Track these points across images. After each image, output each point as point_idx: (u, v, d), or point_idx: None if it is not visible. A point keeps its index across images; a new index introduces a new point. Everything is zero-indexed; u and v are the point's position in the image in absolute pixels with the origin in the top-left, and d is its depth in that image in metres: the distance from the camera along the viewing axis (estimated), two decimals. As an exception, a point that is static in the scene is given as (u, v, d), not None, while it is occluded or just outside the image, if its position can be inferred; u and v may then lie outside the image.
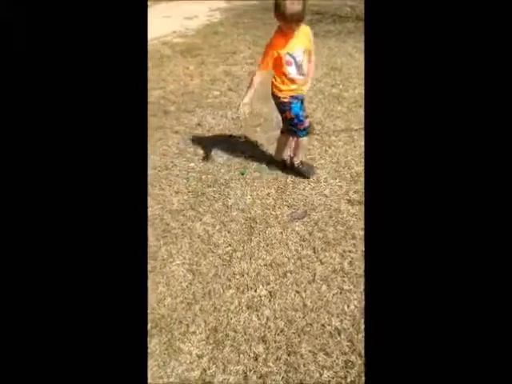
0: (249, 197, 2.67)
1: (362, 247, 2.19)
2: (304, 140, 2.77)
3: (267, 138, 3.37)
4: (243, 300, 1.96)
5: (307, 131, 2.75)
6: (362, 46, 5.48)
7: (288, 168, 2.86)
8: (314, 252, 2.19)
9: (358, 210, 2.48)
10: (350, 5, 8.04)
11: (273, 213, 2.51)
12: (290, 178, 2.81)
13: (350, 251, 2.17)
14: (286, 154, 2.90)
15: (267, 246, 2.26)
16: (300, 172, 2.81)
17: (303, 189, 2.71)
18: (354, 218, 2.42)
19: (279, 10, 2.27)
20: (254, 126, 3.58)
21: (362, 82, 4.29)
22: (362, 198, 2.56)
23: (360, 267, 2.08)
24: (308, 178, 2.77)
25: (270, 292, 1.99)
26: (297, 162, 2.81)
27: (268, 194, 2.69)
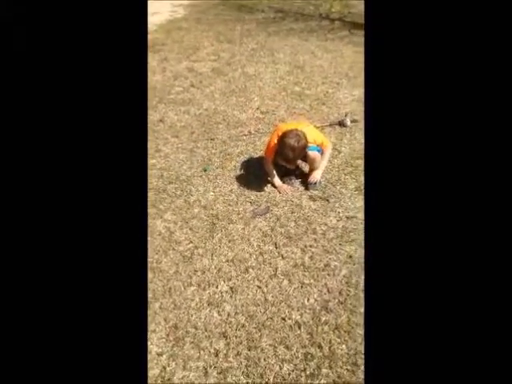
0: (211, 193, 2.65)
1: (322, 242, 2.23)
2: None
3: (229, 134, 3.36)
4: (204, 296, 1.94)
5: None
6: (325, 44, 5.57)
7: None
8: (276, 247, 2.20)
9: (320, 206, 2.51)
10: (314, 3, 8.14)
11: (235, 209, 2.50)
12: (253, 175, 2.82)
13: (310, 246, 2.20)
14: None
15: (229, 242, 2.25)
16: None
17: (266, 185, 2.71)
18: (316, 213, 2.45)
19: (282, 157, 2.52)
20: (216, 123, 3.56)
21: (325, 80, 4.38)
22: (324, 195, 2.60)
23: (321, 261, 2.11)
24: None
25: (231, 288, 1.98)
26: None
27: (231, 190, 2.68)
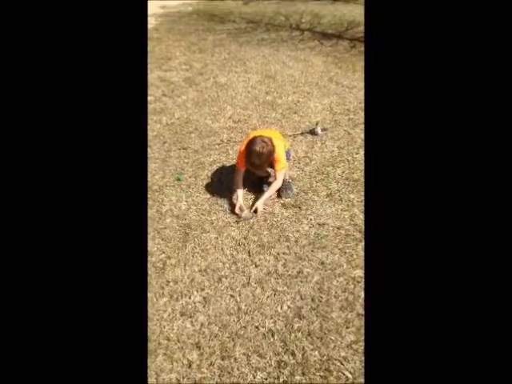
0: (184, 203, 2.64)
1: (295, 249, 2.25)
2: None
3: (202, 143, 3.37)
4: (177, 307, 1.92)
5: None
6: (295, 54, 5.68)
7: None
8: (249, 255, 2.21)
9: (292, 213, 2.54)
10: (284, 14, 8.30)
11: (208, 218, 2.50)
12: (226, 184, 2.82)
13: (283, 253, 2.22)
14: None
15: (202, 251, 2.24)
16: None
17: (234, 198, 2.72)
18: (288, 221, 2.48)
19: (249, 164, 2.47)
20: (189, 132, 3.55)
21: (296, 89, 4.45)
22: (296, 202, 2.63)
23: (294, 268, 2.13)
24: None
25: (204, 298, 1.97)
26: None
27: (204, 199, 2.68)
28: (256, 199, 2.63)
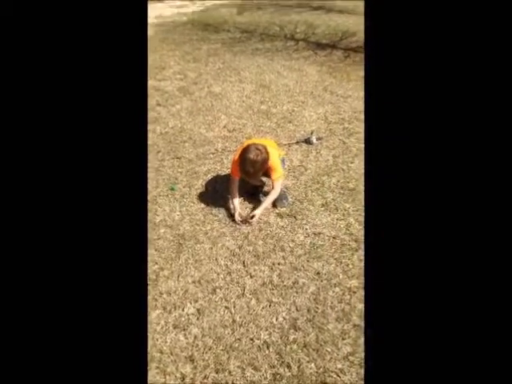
0: (177, 213, 2.61)
1: (290, 259, 2.23)
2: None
3: (196, 153, 3.35)
4: (170, 320, 1.89)
5: None
6: (290, 64, 5.70)
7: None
8: (244, 266, 2.18)
9: (287, 223, 2.52)
10: (279, 24, 8.35)
11: (202, 228, 2.47)
12: (220, 193, 2.80)
13: (279, 263, 2.19)
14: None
15: (196, 262, 2.21)
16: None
17: (232, 208, 2.70)
18: (283, 230, 2.45)
19: (243, 173, 2.46)
20: (183, 141, 3.54)
21: (290, 98, 4.46)
22: (291, 212, 2.61)
23: (289, 278, 2.10)
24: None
25: (198, 310, 1.94)
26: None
27: (198, 209, 2.65)
28: (253, 209, 2.60)
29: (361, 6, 10.58)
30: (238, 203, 2.58)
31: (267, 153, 2.41)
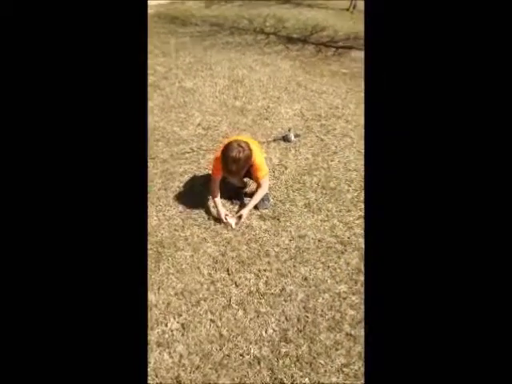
0: (154, 218, 2.46)
1: (276, 265, 2.13)
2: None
3: (170, 152, 3.19)
4: (152, 337, 1.75)
5: None
6: (262, 58, 5.58)
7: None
8: (228, 274, 2.07)
9: (270, 226, 2.42)
10: (248, 18, 8.20)
11: (182, 234, 2.33)
12: (199, 196, 2.67)
13: (264, 270, 2.09)
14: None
15: (177, 272, 2.08)
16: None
17: (213, 206, 2.57)
18: (267, 234, 2.35)
19: (226, 171, 2.34)
20: (156, 140, 3.36)
21: (265, 94, 4.34)
22: (274, 214, 2.52)
23: (276, 286, 2.01)
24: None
25: (182, 324, 1.81)
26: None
27: (175, 213, 2.51)
28: (238, 211, 2.49)
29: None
30: (220, 203, 2.46)
31: (250, 150, 2.29)
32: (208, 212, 2.52)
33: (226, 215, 2.42)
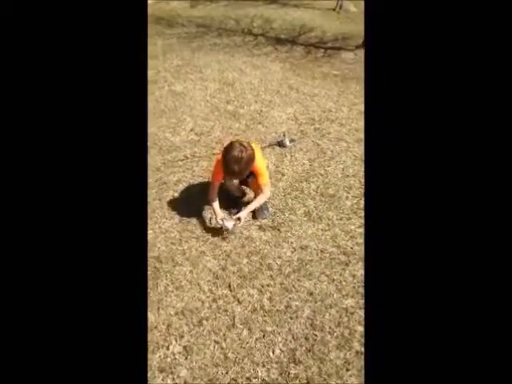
0: (150, 231, 2.35)
1: (279, 279, 2.05)
2: None
3: (163, 160, 3.09)
4: (154, 362, 1.66)
5: None
6: (251, 60, 5.49)
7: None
8: (230, 290, 1.98)
9: (271, 237, 2.34)
10: (234, 18, 8.11)
11: (179, 248, 2.24)
12: (195, 206, 2.57)
13: (268, 285, 2.01)
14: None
15: (177, 289, 1.98)
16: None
17: (210, 217, 2.49)
18: (268, 245, 2.28)
19: (228, 173, 2.23)
20: (148, 148, 3.25)
21: (257, 98, 4.26)
22: (274, 223, 2.44)
23: (281, 302, 1.93)
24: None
25: (185, 347, 1.72)
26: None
27: (171, 225, 2.41)
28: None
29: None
30: (218, 208, 2.37)
31: (252, 150, 2.18)
32: (205, 223, 2.43)
33: (223, 219, 2.32)
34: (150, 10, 8.64)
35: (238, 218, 2.30)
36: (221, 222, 2.28)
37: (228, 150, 2.15)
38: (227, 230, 2.28)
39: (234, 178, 2.37)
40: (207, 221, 2.45)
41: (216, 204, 2.37)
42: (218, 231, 2.34)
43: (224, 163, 2.17)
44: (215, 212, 2.35)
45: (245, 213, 2.34)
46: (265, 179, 2.35)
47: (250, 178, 2.40)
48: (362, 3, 9.16)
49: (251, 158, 2.17)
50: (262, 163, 2.33)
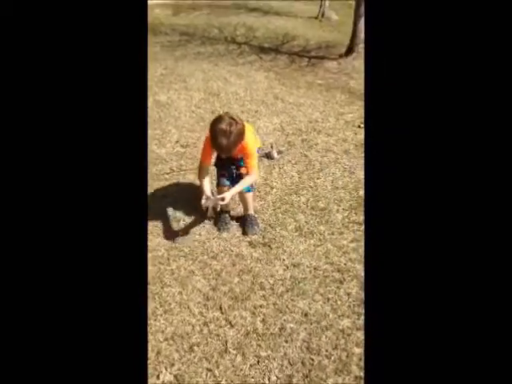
0: (135, 250, 2.25)
1: (272, 299, 1.98)
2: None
3: (149, 173, 2.99)
4: (144, 394, 1.56)
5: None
6: (236, 69, 5.44)
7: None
8: (222, 312, 1.90)
9: (262, 254, 2.27)
10: (218, 26, 8.07)
11: (167, 268, 2.15)
12: (182, 222, 2.49)
13: (260, 306, 1.94)
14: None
15: (165, 313, 1.89)
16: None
17: (199, 233, 2.41)
18: (259, 263, 2.20)
19: (215, 147, 2.12)
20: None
21: (243, 108, 4.21)
22: (264, 240, 2.37)
23: (275, 324, 1.86)
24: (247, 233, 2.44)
25: (175, 376, 1.63)
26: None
27: (158, 243, 2.32)
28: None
29: (295, 7, 10.62)
30: (207, 186, 2.24)
31: (243, 125, 2.07)
32: (193, 239, 2.34)
33: (207, 197, 2.19)
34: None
35: (222, 198, 2.18)
36: (203, 202, 2.18)
37: (216, 122, 2.03)
38: (207, 208, 2.19)
39: (221, 154, 2.21)
40: (196, 237, 2.37)
41: (205, 182, 2.24)
42: (206, 252, 2.26)
43: (211, 136, 2.04)
44: (203, 188, 2.23)
45: (229, 194, 2.20)
46: (253, 161, 2.24)
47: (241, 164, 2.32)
48: (344, 11, 9.28)
49: (241, 133, 2.05)
50: (252, 144, 2.22)
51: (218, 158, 2.42)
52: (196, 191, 2.71)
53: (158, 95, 4.37)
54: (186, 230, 2.41)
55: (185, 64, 5.53)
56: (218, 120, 2.04)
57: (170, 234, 2.39)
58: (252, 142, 2.24)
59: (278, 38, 7.37)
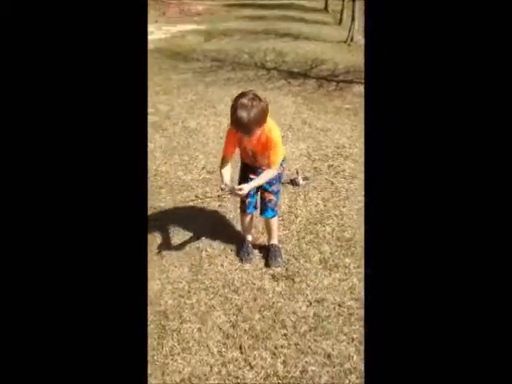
0: (157, 281, 2.23)
1: (294, 339, 1.90)
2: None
3: (174, 200, 3.00)
4: None
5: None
6: (264, 94, 5.37)
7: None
8: (241, 352, 1.83)
9: (285, 288, 2.20)
10: (248, 52, 8.21)
11: (187, 302, 2.10)
12: (205, 252, 2.46)
13: (282, 346, 1.86)
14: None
15: (183, 351, 1.83)
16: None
17: (221, 264, 2.37)
18: (282, 298, 2.13)
19: (235, 124, 1.98)
20: (158, 187, 3.18)
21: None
22: (287, 272, 2.30)
23: (296, 366, 1.77)
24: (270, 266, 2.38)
25: (191, 420, 1.57)
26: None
27: (180, 275, 2.29)
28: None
29: (324, 32, 10.70)
30: (227, 176, 2.17)
31: (267, 104, 1.97)
32: (216, 271, 2.30)
33: (226, 184, 2.12)
34: (166, 45, 8.84)
35: (240, 189, 2.08)
36: (223, 186, 2.11)
37: (238, 96, 1.94)
38: (224, 190, 2.14)
39: (240, 131, 2.01)
40: (216, 269, 2.32)
41: (224, 170, 2.18)
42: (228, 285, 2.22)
43: (231, 110, 1.92)
44: (221, 178, 2.17)
45: (248, 186, 2.11)
46: (277, 156, 2.13)
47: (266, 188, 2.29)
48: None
49: (263, 111, 1.94)
50: (278, 135, 2.12)
51: (242, 170, 2.39)
52: (220, 219, 2.69)
53: (187, 121, 4.43)
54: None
55: (215, 90, 5.62)
56: (240, 94, 1.95)
57: (192, 264, 2.37)
58: (277, 133, 2.12)
59: (307, 62, 7.42)
